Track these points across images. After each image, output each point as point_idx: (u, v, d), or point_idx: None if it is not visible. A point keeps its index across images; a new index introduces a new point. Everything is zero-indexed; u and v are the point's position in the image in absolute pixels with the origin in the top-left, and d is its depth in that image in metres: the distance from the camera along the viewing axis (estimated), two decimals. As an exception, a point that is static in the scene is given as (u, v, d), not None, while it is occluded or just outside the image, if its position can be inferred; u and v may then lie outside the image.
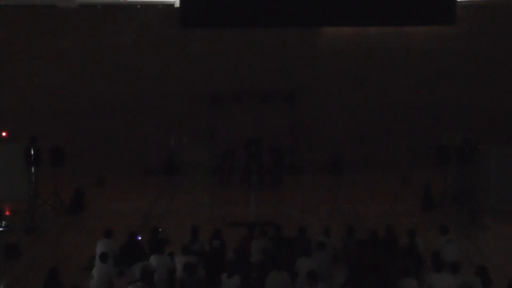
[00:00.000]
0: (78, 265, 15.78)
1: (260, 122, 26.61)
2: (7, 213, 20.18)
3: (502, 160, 20.88)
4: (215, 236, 15.45)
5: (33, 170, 20.67)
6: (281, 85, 26.59)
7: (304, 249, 14.08)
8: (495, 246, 17.58)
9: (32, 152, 20.44)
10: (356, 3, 23.85)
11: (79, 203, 21.15)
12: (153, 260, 13.75)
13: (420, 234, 15.62)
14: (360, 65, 26.80)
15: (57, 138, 24.56)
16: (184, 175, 25.83)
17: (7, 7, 26.24)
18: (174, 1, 25.98)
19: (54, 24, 26.43)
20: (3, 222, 19.06)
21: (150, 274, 12.78)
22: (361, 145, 26.83)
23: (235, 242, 15.51)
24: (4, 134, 25.10)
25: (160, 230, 16.21)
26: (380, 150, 26.80)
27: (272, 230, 15.94)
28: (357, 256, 13.99)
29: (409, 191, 23.25)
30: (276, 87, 26.55)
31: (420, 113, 26.85)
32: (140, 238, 15.61)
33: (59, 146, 21.68)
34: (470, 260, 15.62)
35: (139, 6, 26.52)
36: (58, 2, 26.30)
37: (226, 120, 26.74)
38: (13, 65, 26.46)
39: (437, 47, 26.69)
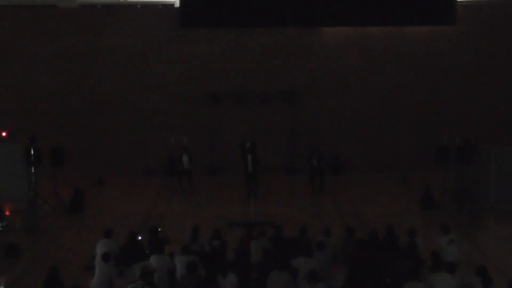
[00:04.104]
0: (78, 265, 15.78)
1: (260, 122, 26.63)
2: (7, 213, 20.16)
3: (502, 160, 20.87)
4: (215, 236, 15.46)
5: (33, 170, 20.66)
6: (281, 85, 26.61)
7: (304, 249, 14.07)
8: (495, 246, 17.58)
9: (32, 152, 20.42)
10: (356, 3, 23.90)
11: (79, 203, 21.15)
12: (153, 260, 13.75)
13: (420, 234, 15.62)
14: (360, 65, 26.81)
15: (57, 138, 24.58)
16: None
17: (7, 7, 26.25)
18: (174, 1, 26.00)
19: (54, 24, 26.44)
20: (3, 222, 19.07)
21: (150, 274, 12.79)
22: (361, 145, 26.86)
23: (235, 242, 15.51)
24: (4, 134, 25.11)
25: (159, 230, 16.19)
26: (380, 150, 26.81)
27: (272, 230, 15.93)
28: (357, 256, 13.99)
29: (409, 191, 23.25)
30: (276, 87, 26.56)
31: (420, 113, 26.86)
32: (140, 238, 15.61)
33: (59, 146, 21.69)
34: (470, 260, 15.61)
35: (139, 6, 26.53)
36: (58, 2, 26.32)
37: (226, 120, 26.76)
38: (13, 65, 26.47)
39: (437, 47, 26.70)
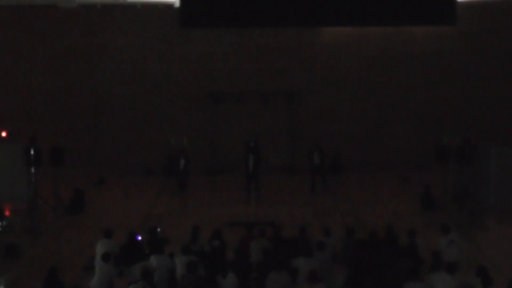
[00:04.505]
0: (78, 265, 15.78)
1: (260, 122, 26.63)
2: (7, 213, 20.17)
3: (502, 160, 20.87)
4: (215, 236, 15.46)
5: (33, 170, 20.67)
6: (281, 85, 26.60)
7: (304, 249, 14.07)
8: (495, 246, 17.57)
9: (32, 152, 20.43)
10: (356, 3, 23.87)
11: (79, 203, 21.15)
12: (153, 260, 13.75)
13: (420, 234, 15.62)
14: (360, 65, 26.80)
15: (57, 138, 24.57)
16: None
17: (7, 7, 26.24)
18: (174, 1, 25.99)
19: (54, 24, 26.44)
20: (3, 222, 19.07)
21: (150, 274, 12.79)
22: (361, 145, 26.86)
23: (235, 242, 15.52)
24: (4, 134, 25.11)
25: (158, 230, 16.20)
26: (380, 150, 26.80)
27: (271, 230, 15.93)
28: (357, 256, 13.99)
29: (409, 191, 23.25)
30: (276, 87, 26.56)
31: (420, 113, 26.85)
32: (140, 238, 15.62)
33: (59, 146, 21.69)
34: (470, 260, 15.61)
35: (139, 6, 26.52)
36: (58, 2, 26.31)
37: (226, 120, 26.76)
38: (13, 65, 26.46)
39: (437, 47, 26.69)
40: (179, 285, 13.19)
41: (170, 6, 26.27)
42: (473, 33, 26.58)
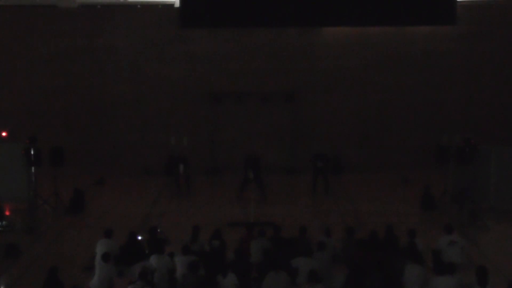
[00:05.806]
0: (78, 265, 15.78)
1: (260, 122, 26.64)
2: (7, 213, 20.17)
3: (502, 160, 20.85)
4: (215, 236, 15.48)
5: (33, 170, 20.66)
6: (281, 85, 26.61)
7: (304, 249, 14.07)
8: (495, 246, 17.57)
9: (32, 152, 20.42)
10: (356, 3, 23.89)
11: (79, 203, 21.14)
12: (153, 260, 13.76)
13: (420, 234, 15.62)
14: (360, 65, 26.81)
15: (57, 138, 24.58)
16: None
17: (7, 7, 26.26)
18: (174, 1, 26.01)
19: (54, 24, 26.44)
20: (3, 222, 19.07)
21: (150, 274, 12.79)
22: (361, 145, 26.87)
23: (235, 242, 15.52)
24: (4, 134, 25.11)
25: (159, 230, 16.21)
26: (380, 150, 26.81)
27: (271, 230, 15.93)
28: (357, 256, 13.99)
29: (409, 191, 23.24)
30: (276, 87, 26.56)
31: (420, 113, 26.86)
32: (140, 238, 15.63)
33: (59, 146, 21.68)
34: (470, 260, 15.60)
35: (139, 6, 26.53)
36: (58, 2, 26.34)
37: (227, 120, 26.76)
38: (13, 65, 26.47)
39: (437, 47, 26.70)
40: (179, 285, 13.20)
41: (170, 6, 26.30)
42: (473, 33, 26.59)
